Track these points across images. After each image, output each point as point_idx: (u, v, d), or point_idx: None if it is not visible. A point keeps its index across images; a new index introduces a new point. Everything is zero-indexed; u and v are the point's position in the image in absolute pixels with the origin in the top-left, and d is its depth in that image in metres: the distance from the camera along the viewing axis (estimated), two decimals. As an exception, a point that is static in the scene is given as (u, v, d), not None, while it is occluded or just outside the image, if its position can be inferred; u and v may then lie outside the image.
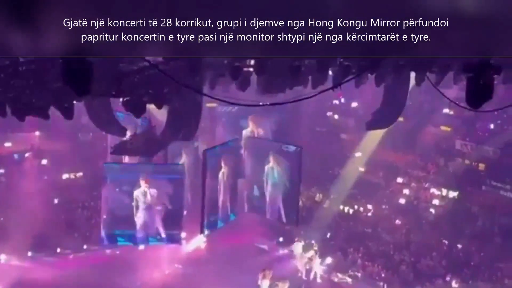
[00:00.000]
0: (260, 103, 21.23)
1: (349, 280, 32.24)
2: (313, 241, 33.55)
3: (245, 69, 21.33)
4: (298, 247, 33.31)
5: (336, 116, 40.20)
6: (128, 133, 27.92)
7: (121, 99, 21.21)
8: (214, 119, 34.61)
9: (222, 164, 30.94)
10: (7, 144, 35.42)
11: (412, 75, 25.72)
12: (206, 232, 30.48)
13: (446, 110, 36.36)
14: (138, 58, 18.66)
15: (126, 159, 30.11)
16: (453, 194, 35.59)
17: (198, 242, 35.67)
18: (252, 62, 21.20)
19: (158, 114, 26.48)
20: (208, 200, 29.46)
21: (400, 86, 26.74)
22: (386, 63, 22.13)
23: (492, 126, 37.02)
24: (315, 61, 21.80)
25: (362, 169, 38.56)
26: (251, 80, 22.41)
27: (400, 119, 30.07)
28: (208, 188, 29.49)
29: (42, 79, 19.59)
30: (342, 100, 39.84)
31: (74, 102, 20.89)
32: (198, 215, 32.62)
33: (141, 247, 34.21)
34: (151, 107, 21.93)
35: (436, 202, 35.94)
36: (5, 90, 19.62)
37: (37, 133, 34.77)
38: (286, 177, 32.06)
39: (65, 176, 36.51)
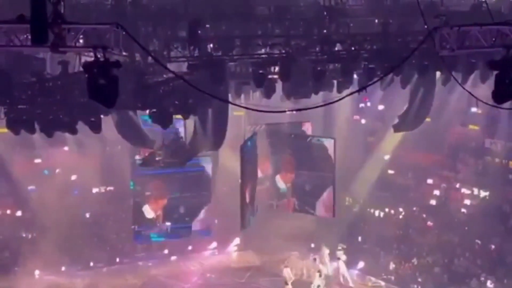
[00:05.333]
0: (286, 110, 21.28)
1: (382, 284, 32.03)
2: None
3: (269, 76, 21.41)
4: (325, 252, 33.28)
5: (363, 120, 40.04)
6: (157, 145, 28.15)
7: (147, 111, 21.42)
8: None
9: (250, 159, 31.12)
10: (37, 161, 35.66)
11: (438, 75, 25.76)
12: (247, 227, 30.66)
13: (474, 109, 36.05)
14: (162, 70, 18.89)
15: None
16: (484, 193, 35.24)
17: (229, 250, 35.77)
18: (277, 69, 21.30)
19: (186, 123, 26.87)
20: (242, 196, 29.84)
21: (426, 86, 26.66)
22: (410, 64, 22.14)
23: (522, 123, 36.58)
24: (340, 65, 21.87)
25: (391, 172, 38.35)
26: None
27: (427, 119, 29.93)
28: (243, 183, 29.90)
29: (69, 95, 19.83)
30: (368, 103, 39.67)
31: (101, 116, 21.11)
32: (227, 221, 32.94)
33: (173, 258, 34.47)
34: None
35: (467, 202, 35.60)
36: (33, 107, 19.89)
37: (66, 148, 34.94)
38: (318, 169, 32.35)
39: (95, 190, 36.68)
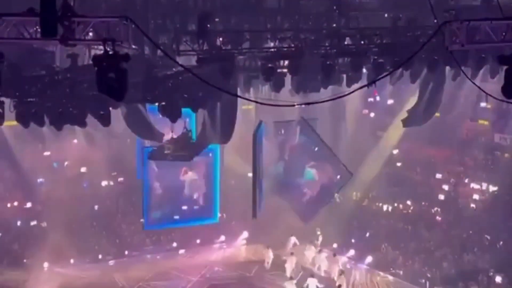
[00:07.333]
0: (295, 103, 21.22)
1: (391, 278, 32.00)
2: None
3: (278, 70, 21.37)
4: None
5: (372, 114, 39.98)
6: (165, 138, 28.16)
7: (156, 104, 21.43)
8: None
9: (260, 148, 31.11)
10: (46, 153, 35.80)
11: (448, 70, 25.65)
12: (258, 216, 30.60)
13: (483, 104, 35.96)
14: (171, 63, 18.88)
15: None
16: (493, 188, 35.17)
17: (237, 244, 35.79)
18: (286, 63, 21.25)
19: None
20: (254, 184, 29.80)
21: (435, 81, 26.59)
22: (420, 59, 22.06)
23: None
24: (349, 59, 21.83)
25: (400, 166, 38.33)
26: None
27: (437, 114, 29.85)
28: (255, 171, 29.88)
29: (78, 88, 19.86)
30: (378, 97, 39.62)
31: (111, 109, 21.14)
32: (235, 215, 32.94)
33: (181, 251, 34.54)
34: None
35: (476, 197, 35.54)
36: (42, 100, 19.92)
37: (75, 141, 35.04)
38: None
39: (104, 183, 36.82)
